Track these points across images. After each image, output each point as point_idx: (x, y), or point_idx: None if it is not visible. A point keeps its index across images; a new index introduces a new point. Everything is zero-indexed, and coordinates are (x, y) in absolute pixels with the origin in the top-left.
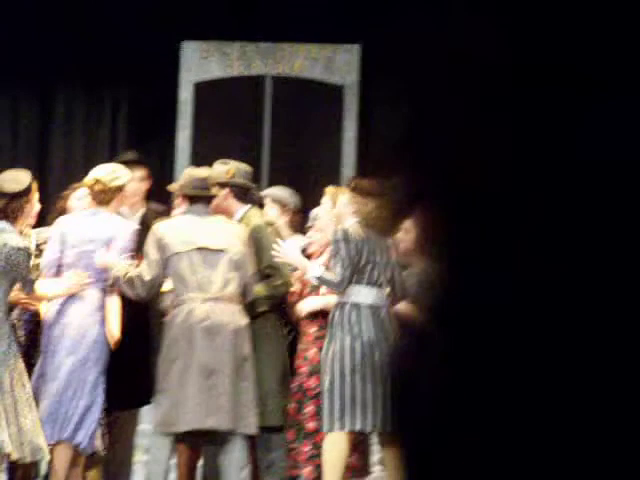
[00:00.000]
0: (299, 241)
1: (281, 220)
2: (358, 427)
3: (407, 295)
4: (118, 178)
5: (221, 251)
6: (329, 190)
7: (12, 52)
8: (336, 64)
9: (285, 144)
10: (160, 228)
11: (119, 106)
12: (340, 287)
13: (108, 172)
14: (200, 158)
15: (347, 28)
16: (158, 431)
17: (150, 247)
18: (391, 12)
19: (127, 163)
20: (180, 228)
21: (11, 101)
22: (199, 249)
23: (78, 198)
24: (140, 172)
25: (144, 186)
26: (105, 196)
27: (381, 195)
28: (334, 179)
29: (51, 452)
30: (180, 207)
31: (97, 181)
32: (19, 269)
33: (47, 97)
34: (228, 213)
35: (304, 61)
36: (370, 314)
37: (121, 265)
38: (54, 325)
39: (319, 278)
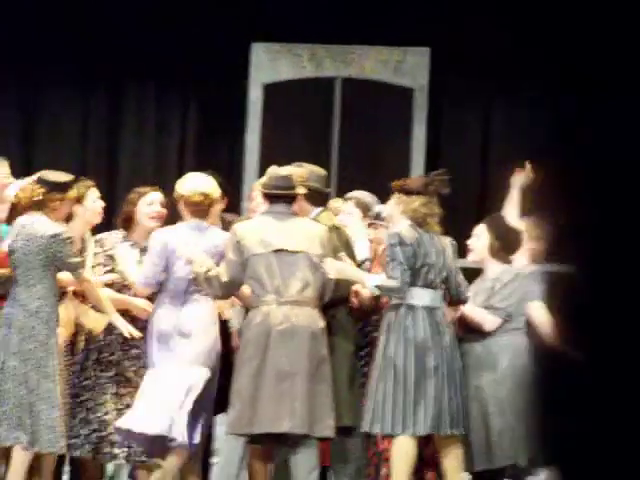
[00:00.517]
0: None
1: (361, 223)
2: (410, 431)
3: (464, 297)
4: (217, 190)
5: (300, 253)
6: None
7: (82, 50)
8: (406, 66)
9: (354, 146)
10: (239, 229)
11: (189, 107)
12: (401, 292)
13: (211, 184)
14: (269, 160)
15: (417, 30)
16: (230, 432)
17: (229, 248)
18: (461, 15)
19: None
20: (259, 229)
21: (82, 102)
22: (277, 251)
23: (149, 203)
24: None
25: (220, 206)
26: (209, 209)
27: (425, 192)
28: None
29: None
30: (254, 204)
31: (205, 195)
32: (59, 255)
33: (118, 96)
34: (301, 216)
35: (374, 63)
36: (425, 316)
37: (203, 262)
38: (172, 335)
39: (379, 287)
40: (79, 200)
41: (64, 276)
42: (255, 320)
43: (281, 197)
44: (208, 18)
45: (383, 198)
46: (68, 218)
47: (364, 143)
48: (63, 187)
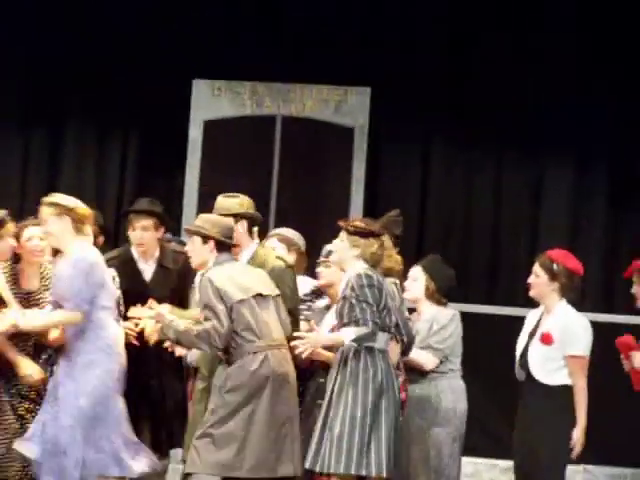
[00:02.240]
0: (308, 282)
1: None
2: (363, 471)
3: (413, 341)
4: None
5: (270, 296)
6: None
7: (26, 92)
8: (347, 106)
9: (294, 185)
10: (215, 277)
11: (129, 142)
12: (374, 336)
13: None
14: (208, 197)
15: (358, 70)
16: (219, 473)
17: (213, 298)
18: (401, 56)
19: (141, 212)
20: (233, 276)
21: (23, 134)
22: (255, 295)
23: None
24: (153, 221)
25: (158, 234)
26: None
27: (380, 234)
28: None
29: None
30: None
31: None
32: None
33: (59, 131)
34: (237, 247)
35: (315, 102)
36: (381, 358)
37: (176, 320)
38: None
39: (356, 340)
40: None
41: None
42: (251, 366)
43: (229, 245)
44: (150, 54)
45: (323, 236)
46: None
47: (304, 182)
48: None
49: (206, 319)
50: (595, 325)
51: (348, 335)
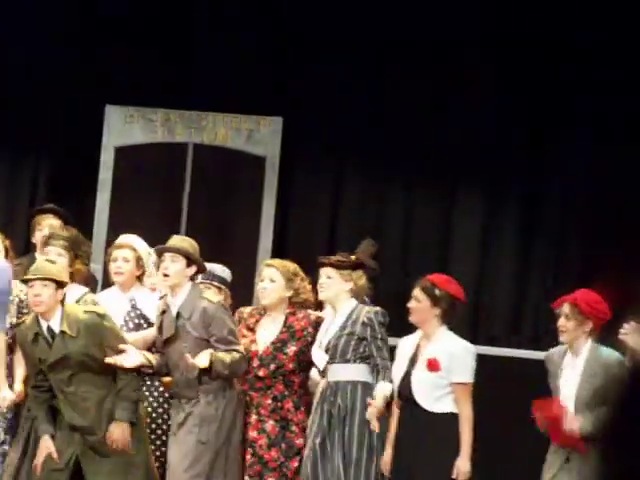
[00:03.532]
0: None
1: None
2: None
3: None
4: None
5: None
6: (278, 263)
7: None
8: (259, 135)
9: (204, 212)
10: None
11: (40, 165)
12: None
13: None
14: (119, 222)
15: (271, 100)
16: None
17: (230, 319)
18: (314, 86)
19: (46, 212)
20: None
21: None
22: None
23: None
24: (60, 222)
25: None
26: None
27: (364, 266)
28: (252, 249)
29: None
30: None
31: None
32: None
33: None
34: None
35: (227, 131)
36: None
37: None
38: None
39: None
40: None
41: None
42: (232, 405)
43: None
44: (64, 78)
45: (233, 263)
46: None
47: (214, 209)
48: None
49: (230, 343)
50: (500, 359)
51: (388, 388)
